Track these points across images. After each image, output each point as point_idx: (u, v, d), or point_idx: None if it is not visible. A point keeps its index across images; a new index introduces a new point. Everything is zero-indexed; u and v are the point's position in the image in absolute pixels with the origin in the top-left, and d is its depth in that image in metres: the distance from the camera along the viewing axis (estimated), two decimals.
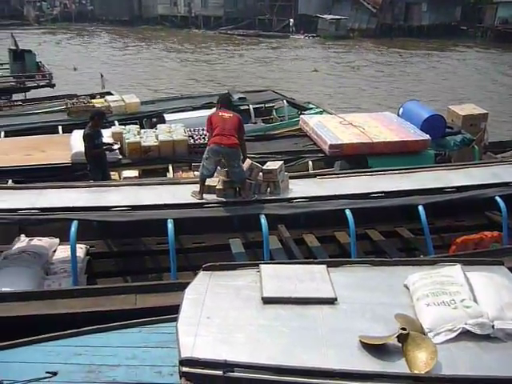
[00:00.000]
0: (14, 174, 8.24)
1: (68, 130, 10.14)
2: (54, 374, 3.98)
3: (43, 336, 4.52)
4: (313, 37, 44.55)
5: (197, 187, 6.82)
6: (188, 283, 4.46)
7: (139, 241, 7.60)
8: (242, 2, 50.90)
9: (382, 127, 9.51)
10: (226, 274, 4.53)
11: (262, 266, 4.59)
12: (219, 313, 3.96)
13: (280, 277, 4.38)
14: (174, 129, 9.34)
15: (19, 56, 18.90)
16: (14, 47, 19.33)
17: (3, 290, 5.80)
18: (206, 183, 6.81)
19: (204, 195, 6.77)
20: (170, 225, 6.12)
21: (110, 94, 13.79)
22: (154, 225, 6.64)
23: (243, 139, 6.96)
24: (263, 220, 6.35)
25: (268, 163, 7.09)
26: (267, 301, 4.05)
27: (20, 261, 6.35)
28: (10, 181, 7.94)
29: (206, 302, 4.07)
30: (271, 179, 6.83)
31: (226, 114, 6.73)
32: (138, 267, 7.32)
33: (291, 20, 47.10)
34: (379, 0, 44.31)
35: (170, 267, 6.13)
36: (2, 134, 10.49)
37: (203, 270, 4.59)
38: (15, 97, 17.16)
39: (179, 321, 3.84)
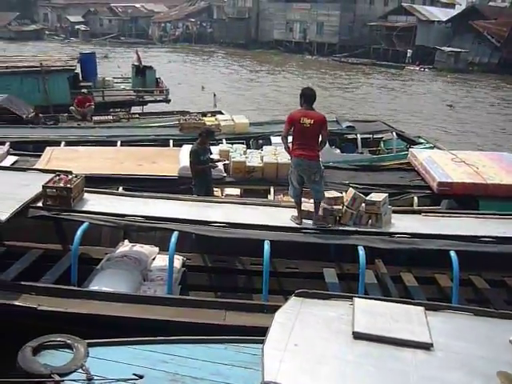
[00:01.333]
0: (125, 182, 8.71)
1: (178, 144, 10.58)
2: (140, 377, 4.09)
3: (134, 339, 4.67)
4: (429, 69, 43.34)
5: (303, 213, 6.75)
6: (278, 307, 4.43)
7: (234, 258, 7.68)
8: (357, 30, 50.93)
9: (498, 168, 8.91)
10: (317, 303, 4.45)
11: (355, 299, 4.46)
12: (307, 341, 3.88)
13: (374, 313, 4.22)
14: (279, 151, 9.42)
15: (141, 72, 20.13)
16: (137, 63, 20.64)
17: (104, 289, 6.09)
18: (306, 208, 6.77)
19: (303, 220, 6.72)
20: (267, 246, 6.14)
21: (220, 113, 14.25)
22: (251, 244, 6.69)
23: (325, 142, 6.64)
24: (361, 252, 6.18)
25: (372, 195, 6.91)
26: (358, 336, 3.92)
27: (122, 264, 6.66)
28: (120, 188, 8.40)
29: (294, 329, 4.01)
30: (374, 211, 6.64)
31: (307, 120, 6.31)
32: (229, 284, 7.39)
33: (409, 51, 46.20)
34: (504, 34, 42.29)
35: (262, 288, 6.12)
36: (119, 142, 11.16)
37: (295, 296, 4.54)
38: (134, 109, 18.26)
39: (266, 344, 3.81)
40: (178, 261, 6.84)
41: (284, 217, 6.87)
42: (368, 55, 48.27)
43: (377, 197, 6.77)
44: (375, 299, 4.78)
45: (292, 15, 55.44)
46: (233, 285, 7.41)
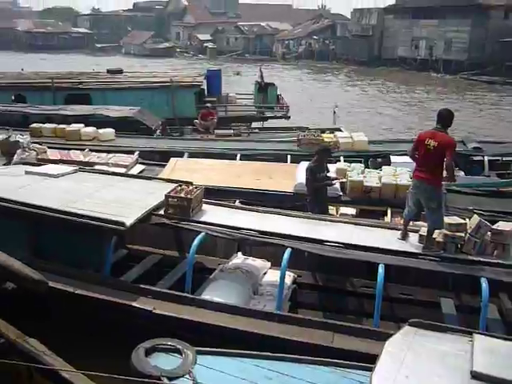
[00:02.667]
0: (242, 195, 8.91)
1: (296, 160, 10.64)
2: None
3: (241, 352, 4.69)
4: None
5: (420, 238, 6.46)
6: (390, 334, 4.25)
7: (345, 279, 7.51)
8: (489, 46, 48.13)
9: None
10: (432, 335, 4.20)
11: (476, 335, 4.14)
12: (419, 375, 3.67)
13: (496, 352, 3.90)
14: (399, 172, 9.12)
15: (263, 88, 20.61)
16: (259, 80, 21.16)
17: (215, 299, 6.23)
18: (423, 233, 6.45)
19: (419, 245, 6.42)
20: (381, 270, 5.93)
21: (339, 130, 14.14)
22: (364, 266, 6.51)
23: (451, 168, 6.18)
24: (484, 284, 5.74)
25: (499, 223, 6.41)
26: (477, 376, 3.63)
27: (234, 276, 6.78)
28: (237, 201, 8.60)
29: (406, 360, 3.81)
30: (500, 241, 6.15)
31: (433, 142, 6.02)
32: (339, 305, 7.24)
33: None
34: None
35: (374, 313, 5.91)
36: (238, 156, 11.46)
37: (408, 325, 4.32)
38: (254, 124, 18.72)
39: (375, 372, 3.66)
40: (289, 277, 6.82)
41: (401, 240, 6.60)
42: (500, 73, 45.35)
43: (505, 226, 6.27)
44: (498, 337, 4.40)
45: (418, 32, 54.00)
46: (343, 306, 7.25)
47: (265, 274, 7.18)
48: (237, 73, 43.60)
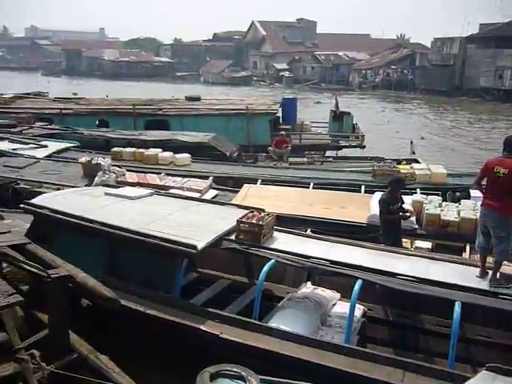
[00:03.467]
0: (314, 224, 8.85)
1: (370, 190, 10.46)
2: None
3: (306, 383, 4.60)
4: None
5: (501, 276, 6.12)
6: (465, 378, 4.03)
7: (418, 316, 7.21)
8: None
9: None
10: None
11: None
12: None
13: None
14: (479, 207, 8.72)
15: (338, 117, 20.57)
16: (335, 108, 21.15)
17: (282, 327, 6.15)
18: (506, 271, 6.10)
19: (490, 279, 6.08)
20: (458, 308, 5.63)
21: (416, 161, 13.80)
22: (439, 304, 6.22)
23: None
24: None
25: None
26: None
27: (302, 306, 6.68)
28: (308, 229, 8.53)
29: None
30: None
31: (502, 169, 5.82)
32: (410, 343, 6.94)
33: None
34: None
35: (448, 354, 5.61)
36: (311, 185, 11.42)
37: (486, 370, 4.07)
38: (328, 153, 18.64)
39: None
40: (358, 310, 6.64)
41: (480, 278, 6.27)
42: None
43: None
44: None
45: (502, 61, 52.11)
46: (414, 344, 6.94)
47: (334, 305, 7.03)
48: (317, 101, 43.75)
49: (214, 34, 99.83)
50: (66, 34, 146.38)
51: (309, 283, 7.47)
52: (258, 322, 6.23)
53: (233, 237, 7.10)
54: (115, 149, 14.55)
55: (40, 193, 10.21)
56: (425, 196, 9.62)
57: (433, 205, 8.94)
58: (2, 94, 24.65)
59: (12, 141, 16.16)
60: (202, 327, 6.11)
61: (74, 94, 32.77)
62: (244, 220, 7.10)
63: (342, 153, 19.08)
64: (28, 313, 6.03)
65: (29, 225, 8.04)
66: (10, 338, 5.10)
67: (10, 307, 5.33)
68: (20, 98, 23.97)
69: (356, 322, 6.45)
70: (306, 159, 15.57)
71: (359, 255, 6.84)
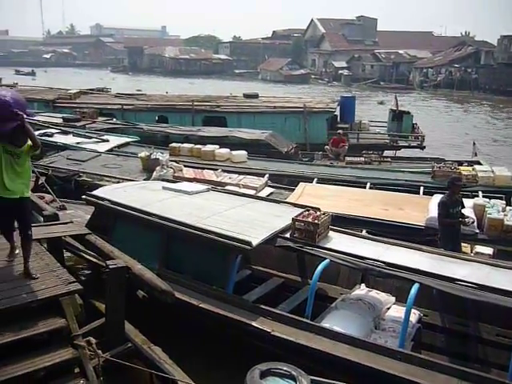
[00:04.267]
0: (369, 225, 8.69)
1: (429, 192, 10.18)
2: None
3: None
4: None
5: None
6: None
7: (477, 324, 6.94)
8: None
9: None
10: None
11: None
12: None
13: None
14: None
15: (398, 116, 20.12)
16: (394, 108, 20.70)
17: (335, 328, 6.07)
18: None
19: None
20: None
21: (479, 163, 13.31)
22: (500, 312, 5.97)
23: None
24: None
25: None
26: None
27: (356, 307, 6.57)
28: (364, 230, 8.38)
29: None
30: None
31: None
32: (467, 352, 6.68)
33: None
34: None
35: (509, 366, 5.36)
36: (368, 185, 11.23)
37: None
38: (386, 153, 18.27)
39: None
40: (414, 315, 6.46)
41: None
42: None
43: None
44: None
45: None
46: (472, 354, 6.68)
47: (388, 308, 6.88)
48: (380, 102, 42.85)
49: (273, 31, 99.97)
50: (129, 31, 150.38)
51: (363, 285, 7.34)
52: (310, 322, 6.17)
53: (287, 235, 7.07)
54: (173, 144, 14.82)
55: (101, 185, 10.54)
56: (487, 199, 9.27)
57: (496, 209, 8.60)
58: (68, 90, 25.58)
59: (76, 135, 16.77)
60: (254, 323, 6.12)
61: (138, 90, 33.52)
62: (299, 218, 7.06)
63: (401, 153, 18.65)
64: (86, 301, 6.23)
65: (89, 216, 8.31)
66: (68, 325, 5.27)
67: (69, 295, 5.50)
68: (84, 94, 24.83)
69: (411, 327, 6.29)
70: (363, 159, 15.32)
71: (416, 258, 6.66)
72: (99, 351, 5.25)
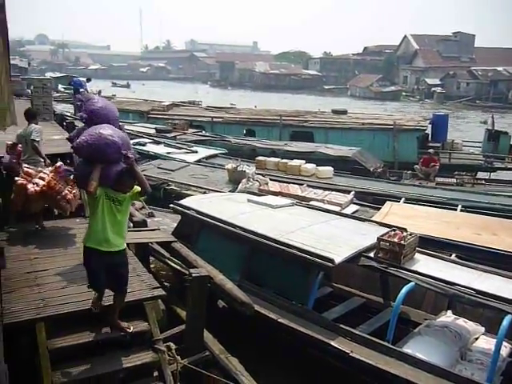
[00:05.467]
0: (459, 249, 8.29)
1: None
2: None
3: None
4: None
5: None
6: None
7: None
8: None
9: None
10: None
11: None
12: None
13: None
14: None
15: (494, 136, 19.20)
16: (490, 127, 19.77)
17: (417, 355, 5.82)
18: None
19: None
20: None
21: None
22: None
23: None
24: None
25: None
26: None
27: (441, 335, 6.26)
28: (453, 254, 8.01)
29: None
30: None
31: None
32: None
33: None
34: None
35: None
36: (459, 207, 10.75)
37: None
38: (480, 175, 17.44)
39: None
40: (505, 348, 6.06)
41: None
42: None
43: None
44: None
45: None
46: None
47: (476, 339, 6.49)
48: (484, 121, 40.88)
49: (365, 47, 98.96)
50: (222, 47, 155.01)
51: (449, 312, 6.98)
52: (391, 346, 5.96)
53: (371, 254, 6.89)
54: (260, 158, 15.01)
55: (188, 195, 10.86)
56: None
57: None
58: (161, 102, 26.69)
59: (167, 145, 17.44)
60: (333, 342, 6.00)
61: (232, 104, 34.09)
62: (385, 238, 6.86)
63: (496, 175, 17.72)
64: (168, 307, 6.39)
65: (176, 224, 8.56)
66: (150, 329, 5.43)
67: (153, 300, 5.68)
68: (176, 106, 25.81)
69: (501, 360, 5.89)
70: (454, 180, 14.74)
71: (510, 288, 6.24)
72: (178, 357, 5.36)
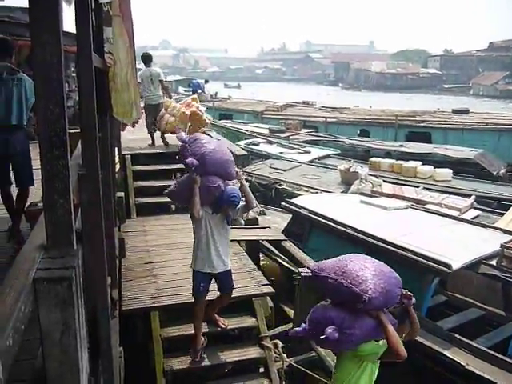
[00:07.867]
0: None
1: None
2: None
3: None
4: None
5: None
6: None
7: None
8: None
9: None
10: None
11: None
12: None
13: None
14: None
15: None
16: None
17: None
18: None
19: None
20: None
21: None
22: None
23: None
24: None
25: None
26: None
27: None
28: None
29: None
30: None
31: None
32: None
33: None
34: None
35: None
36: None
37: None
38: None
39: None
40: None
41: None
42: None
43: None
44: None
45: None
46: None
47: None
48: None
49: (490, 43, 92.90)
50: (338, 47, 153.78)
51: None
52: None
53: (493, 262, 6.44)
54: (373, 159, 14.65)
55: (299, 195, 10.88)
56: None
57: None
58: (275, 102, 27.03)
59: (280, 145, 17.62)
60: (447, 353, 5.68)
61: (356, 106, 33.40)
62: (510, 245, 6.39)
63: None
64: (276, 304, 6.43)
65: (286, 223, 8.61)
66: (258, 325, 5.50)
67: (262, 296, 5.75)
68: (290, 106, 25.97)
69: None
70: None
71: None
72: (284, 355, 5.37)
